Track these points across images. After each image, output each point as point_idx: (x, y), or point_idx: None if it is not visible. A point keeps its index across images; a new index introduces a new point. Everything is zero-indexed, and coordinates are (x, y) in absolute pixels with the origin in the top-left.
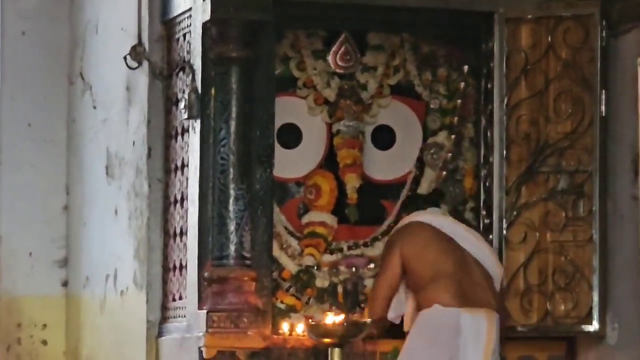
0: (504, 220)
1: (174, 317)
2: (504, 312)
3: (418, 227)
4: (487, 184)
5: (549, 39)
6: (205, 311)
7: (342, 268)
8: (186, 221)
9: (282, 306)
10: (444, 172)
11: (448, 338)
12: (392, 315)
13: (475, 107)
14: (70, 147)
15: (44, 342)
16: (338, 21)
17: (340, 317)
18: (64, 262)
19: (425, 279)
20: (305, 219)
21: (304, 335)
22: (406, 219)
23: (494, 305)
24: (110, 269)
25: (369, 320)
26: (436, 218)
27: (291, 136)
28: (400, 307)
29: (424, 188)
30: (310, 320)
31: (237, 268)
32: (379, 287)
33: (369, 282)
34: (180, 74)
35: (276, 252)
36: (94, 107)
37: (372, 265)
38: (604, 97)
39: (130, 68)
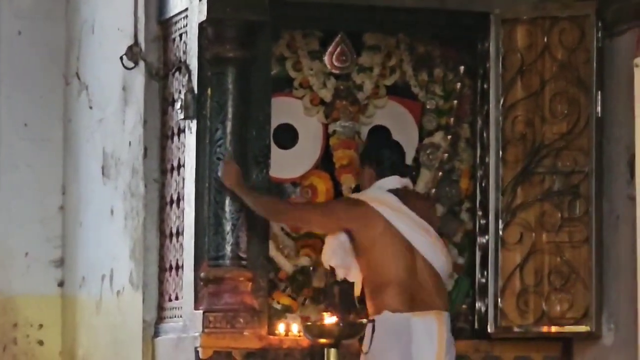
0: (500, 221)
1: (170, 317)
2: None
3: (372, 215)
4: (483, 184)
5: (545, 39)
6: (201, 311)
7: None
8: (182, 221)
9: (278, 307)
10: (440, 173)
11: (400, 343)
12: (333, 262)
13: (471, 107)
14: (67, 147)
15: (40, 342)
16: (334, 21)
17: (336, 318)
18: (60, 262)
19: (374, 282)
20: None
21: (300, 336)
22: (369, 193)
23: (443, 305)
24: (107, 269)
25: (365, 320)
26: (390, 208)
27: (287, 136)
28: (345, 259)
29: (420, 188)
30: (306, 321)
31: (233, 268)
32: (313, 205)
33: None
34: (177, 74)
35: (272, 252)
36: (90, 107)
37: None
38: (599, 97)
39: (126, 68)
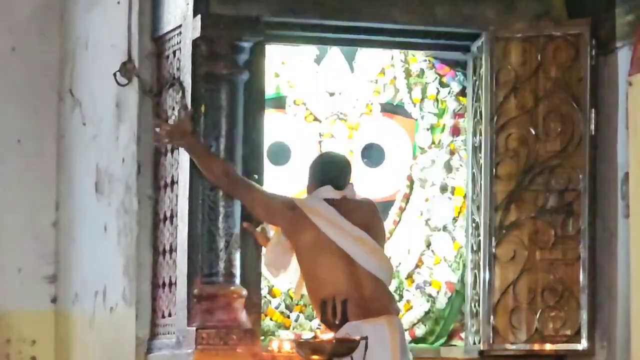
0: (493, 238)
1: (163, 334)
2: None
3: (305, 227)
4: (477, 202)
5: (539, 57)
6: (194, 328)
7: None
8: (175, 238)
9: (271, 323)
10: (434, 190)
11: (356, 353)
12: (266, 260)
13: (465, 125)
14: (60, 163)
15: (33, 358)
16: (328, 39)
17: (329, 335)
18: (53, 278)
19: (320, 296)
20: None
21: (292, 353)
22: (305, 201)
23: (393, 309)
24: (100, 285)
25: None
26: (323, 219)
27: (281, 154)
28: (279, 258)
29: (413, 206)
30: (299, 338)
31: (227, 285)
32: (254, 186)
33: None
34: (170, 90)
35: (265, 269)
36: (84, 124)
37: None
38: (593, 115)
39: (120, 85)
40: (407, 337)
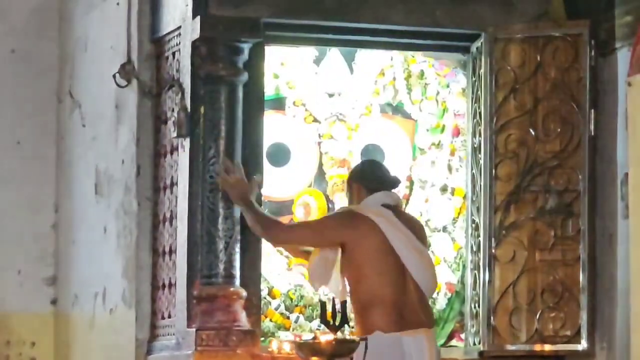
0: (493, 239)
1: (163, 335)
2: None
3: (368, 226)
4: (477, 202)
5: (538, 58)
6: (194, 329)
7: None
8: (175, 239)
9: (271, 325)
10: (433, 191)
11: (393, 356)
12: (316, 284)
13: (464, 125)
14: (59, 165)
15: None
16: (327, 40)
17: (329, 336)
18: (53, 280)
19: (363, 301)
20: None
21: (292, 354)
22: (364, 206)
23: (430, 322)
24: (99, 287)
25: (357, 338)
26: (386, 222)
27: (280, 155)
28: (324, 274)
29: (413, 206)
30: (299, 339)
31: (226, 286)
32: (303, 228)
33: None
34: (170, 92)
35: (265, 270)
36: (83, 125)
37: None
38: (592, 116)
39: (119, 86)
40: None
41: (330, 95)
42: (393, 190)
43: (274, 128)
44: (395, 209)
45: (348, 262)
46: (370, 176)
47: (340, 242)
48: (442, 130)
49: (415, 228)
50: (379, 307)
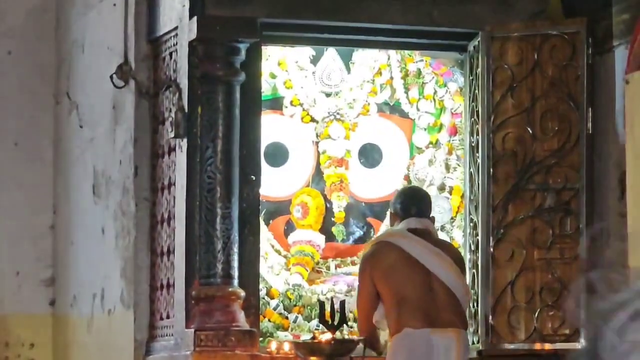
0: (491, 238)
1: (162, 336)
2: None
3: (385, 249)
4: (474, 201)
5: (535, 56)
6: (192, 330)
7: (329, 286)
8: (173, 240)
9: (270, 325)
10: (431, 190)
11: (422, 352)
12: (377, 318)
13: (462, 124)
14: (57, 167)
15: None
16: (324, 40)
17: (327, 336)
18: (51, 281)
19: (389, 302)
20: (293, 238)
21: (291, 354)
22: (377, 238)
23: (461, 323)
24: (98, 288)
25: (356, 338)
26: (404, 239)
27: (278, 155)
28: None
29: None
30: (297, 339)
31: (225, 287)
32: (359, 308)
33: (355, 300)
34: (167, 92)
35: (263, 270)
36: (81, 127)
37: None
38: (590, 114)
39: (116, 87)
40: None
41: (328, 95)
42: (426, 218)
43: (271, 128)
44: (423, 233)
45: (380, 283)
46: (399, 204)
47: (377, 275)
48: (440, 129)
49: (440, 245)
50: (407, 305)
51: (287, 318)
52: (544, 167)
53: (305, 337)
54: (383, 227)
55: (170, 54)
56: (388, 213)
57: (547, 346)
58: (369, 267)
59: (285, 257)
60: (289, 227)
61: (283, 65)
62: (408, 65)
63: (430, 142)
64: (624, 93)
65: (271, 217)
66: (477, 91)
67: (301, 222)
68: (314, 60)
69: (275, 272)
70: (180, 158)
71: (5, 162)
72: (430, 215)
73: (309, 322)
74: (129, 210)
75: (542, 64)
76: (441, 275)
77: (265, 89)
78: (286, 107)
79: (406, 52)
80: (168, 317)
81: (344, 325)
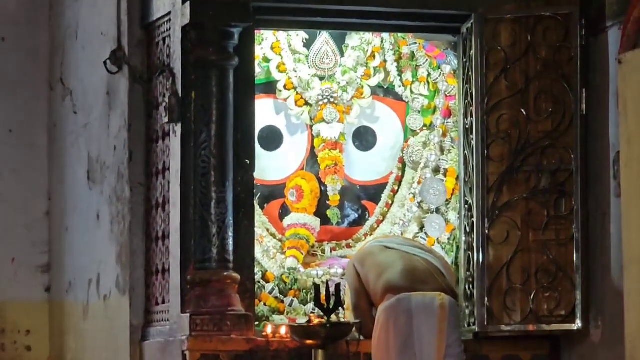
0: (486, 220)
1: (158, 321)
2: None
3: (369, 247)
4: (469, 183)
5: (529, 38)
6: (188, 314)
7: (325, 269)
8: (168, 225)
9: (266, 309)
10: (426, 172)
11: (401, 322)
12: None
13: (456, 106)
14: (52, 153)
15: (28, 348)
16: (317, 23)
17: (323, 319)
18: (47, 268)
19: (374, 278)
20: (287, 221)
21: (287, 338)
22: (365, 244)
23: (449, 290)
24: (93, 273)
25: (352, 321)
26: (392, 241)
27: (272, 138)
28: None
29: (405, 189)
30: (293, 323)
31: (220, 271)
32: (355, 308)
33: None
34: (161, 78)
35: (259, 254)
36: (75, 112)
37: None
38: (584, 95)
39: (110, 72)
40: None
41: (321, 78)
42: None
43: (265, 112)
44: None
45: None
46: None
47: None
48: (434, 111)
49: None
50: (388, 271)
51: (282, 302)
52: (538, 148)
53: (301, 320)
54: (378, 209)
55: (164, 39)
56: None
57: (543, 327)
58: (355, 267)
59: (280, 240)
60: (284, 211)
61: (276, 50)
62: (402, 48)
63: (425, 125)
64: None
65: (266, 201)
66: (470, 73)
67: (296, 206)
68: (308, 44)
69: (271, 255)
70: (175, 143)
71: (0, 149)
72: None
73: (304, 305)
74: (124, 196)
75: (536, 45)
76: (426, 257)
77: (259, 73)
78: (280, 90)
79: (400, 34)
80: (164, 302)
81: (340, 308)
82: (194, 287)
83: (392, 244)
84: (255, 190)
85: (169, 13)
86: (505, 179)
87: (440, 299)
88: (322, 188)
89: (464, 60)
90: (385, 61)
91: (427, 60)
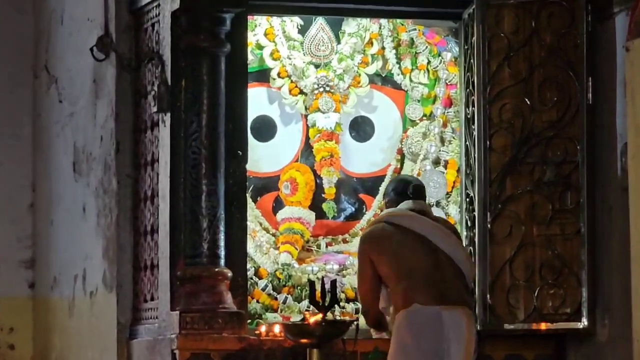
0: (488, 214)
1: (146, 319)
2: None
3: (386, 228)
4: (471, 175)
5: (533, 24)
6: (178, 312)
7: (320, 265)
8: (157, 218)
9: (258, 306)
10: (426, 164)
11: (432, 333)
12: (382, 305)
13: (457, 95)
14: (36, 143)
15: (11, 347)
16: (312, 9)
17: (318, 317)
18: (31, 263)
19: (394, 280)
20: (281, 215)
21: (281, 336)
22: (377, 218)
23: (468, 303)
24: (79, 269)
25: (348, 319)
26: (406, 217)
27: (265, 129)
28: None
29: None
30: (287, 321)
31: (211, 267)
32: (362, 294)
33: (348, 280)
34: (149, 65)
35: (251, 249)
36: (60, 101)
37: (351, 262)
38: (590, 84)
39: (97, 60)
40: None
41: (317, 66)
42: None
43: (258, 101)
44: (422, 213)
45: (382, 264)
46: (393, 190)
47: (379, 257)
48: (434, 100)
49: (448, 225)
50: (415, 281)
51: (276, 299)
52: (542, 139)
53: (296, 318)
54: (375, 203)
55: (153, 25)
56: (382, 204)
57: (548, 326)
58: (368, 248)
59: (273, 235)
60: (278, 204)
61: (270, 36)
62: (400, 34)
63: (424, 115)
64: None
65: (259, 194)
66: (472, 61)
67: (290, 199)
68: (302, 30)
69: (264, 251)
70: (164, 133)
71: None
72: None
73: (299, 303)
74: (111, 188)
75: (540, 31)
76: (447, 250)
77: (252, 61)
78: (273, 79)
79: (398, 20)
80: (152, 298)
81: (336, 306)
82: (183, 283)
83: (417, 226)
84: (247, 183)
85: None
86: (508, 171)
87: (466, 314)
88: (318, 180)
89: (465, 47)
90: (383, 48)
91: (427, 47)
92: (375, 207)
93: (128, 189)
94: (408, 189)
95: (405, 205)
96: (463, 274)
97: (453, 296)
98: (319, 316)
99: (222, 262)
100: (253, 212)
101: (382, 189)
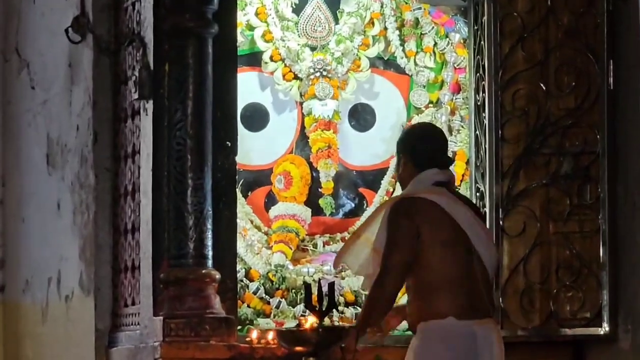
0: (500, 210)
1: (126, 325)
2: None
3: (430, 206)
4: (481, 168)
5: (549, 2)
6: (161, 318)
7: (316, 266)
8: (138, 216)
9: (249, 311)
10: None
11: (466, 347)
12: (370, 271)
13: (466, 80)
14: (6, 133)
15: None
16: None
17: (315, 323)
18: (1, 264)
19: (430, 284)
20: (274, 212)
21: (274, 344)
22: (404, 194)
23: (493, 310)
24: (53, 271)
25: (347, 325)
26: (442, 197)
27: (256, 117)
28: (366, 267)
29: None
30: (281, 327)
31: (197, 268)
32: (390, 258)
33: (347, 282)
34: (130, 48)
35: (241, 249)
36: (32, 87)
37: None
38: (611, 67)
39: (72, 42)
40: None
41: (313, 49)
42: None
43: (249, 87)
44: (448, 186)
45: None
46: (421, 149)
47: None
48: (441, 86)
49: (472, 206)
50: (450, 291)
51: (268, 303)
52: (559, 128)
53: (290, 324)
54: (377, 198)
55: (133, 3)
56: (396, 153)
57: (565, 332)
58: (416, 216)
59: (266, 233)
60: (270, 200)
61: (262, 16)
62: (404, 13)
63: (430, 101)
64: None
65: (250, 189)
66: (482, 42)
67: (284, 194)
68: (297, 9)
69: (255, 251)
70: (146, 122)
71: None
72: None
73: (293, 307)
74: (88, 183)
75: (557, 11)
76: (481, 250)
77: (242, 43)
78: (266, 62)
79: None
80: (133, 303)
81: (334, 310)
82: (167, 286)
83: (456, 212)
84: (237, 177)
85: None
86: (522, 163)
87: (495, 328)
88: (314, 174)
89: (475, 27)
90: (385, 29)
91: (433, 27)
92: (376, 202)
93: (107, 184)
94: (437, 158)
95: (431, 177)
96: (489, 281)
97: (483, 308)
98: (316, 322)
99: (210, 263)
100: (243, 209)
101: (384, 183)
